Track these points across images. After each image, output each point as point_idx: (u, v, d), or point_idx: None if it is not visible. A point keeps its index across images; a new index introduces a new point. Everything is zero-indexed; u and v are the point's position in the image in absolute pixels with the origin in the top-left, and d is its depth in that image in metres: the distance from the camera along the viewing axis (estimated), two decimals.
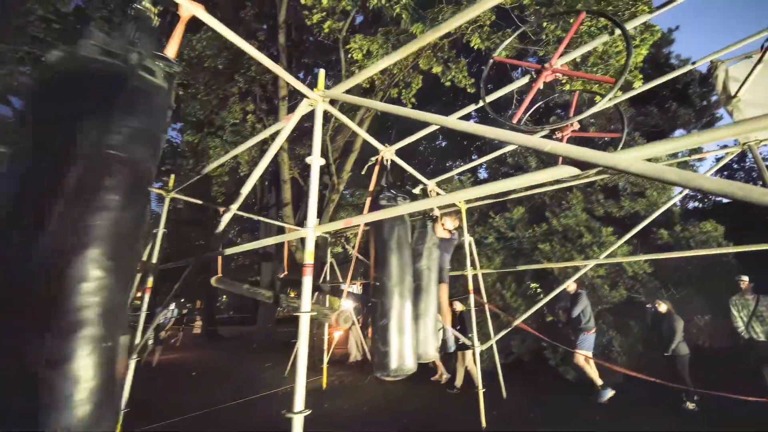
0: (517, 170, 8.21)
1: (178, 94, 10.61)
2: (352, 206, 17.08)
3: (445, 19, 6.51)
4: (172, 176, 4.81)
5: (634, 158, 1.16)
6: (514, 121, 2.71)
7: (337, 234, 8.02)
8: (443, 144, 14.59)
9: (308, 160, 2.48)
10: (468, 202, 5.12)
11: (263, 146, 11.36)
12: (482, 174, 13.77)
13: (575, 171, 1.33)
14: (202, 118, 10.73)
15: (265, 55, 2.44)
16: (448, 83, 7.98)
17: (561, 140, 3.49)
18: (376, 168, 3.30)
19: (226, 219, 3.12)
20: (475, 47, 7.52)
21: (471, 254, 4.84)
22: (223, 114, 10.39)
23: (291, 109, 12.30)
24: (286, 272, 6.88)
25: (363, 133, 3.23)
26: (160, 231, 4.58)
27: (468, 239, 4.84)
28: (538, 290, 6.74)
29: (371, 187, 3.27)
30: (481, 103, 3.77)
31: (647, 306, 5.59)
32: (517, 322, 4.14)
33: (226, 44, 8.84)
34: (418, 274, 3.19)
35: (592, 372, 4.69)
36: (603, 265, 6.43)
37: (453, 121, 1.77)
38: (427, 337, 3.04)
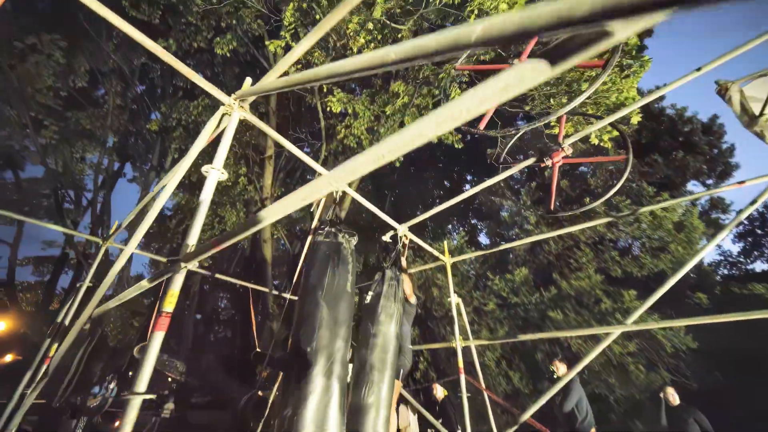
0: (516, 229, 7.49)
1: (174, 158, 10.89)
2: None
3: (425, 77, 6.62)
4: (116, 223, 4.27)
5: None
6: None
7: None
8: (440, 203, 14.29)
9: (204, 170, 1.88)
10: (454, 254, 4.33)
11: (248, 207, 11.14)
12: (483, 239, 13.04)
13: (543, 69, 0.66)
14: (194, 180, 10.77)
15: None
16: (436, 140, 7.89)
17: (552, 169, 2.88)
18: (323, 200, 2.67)
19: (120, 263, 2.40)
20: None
21: (460, 318, 3.85)
22: None
23: (292, 174, 12.40)
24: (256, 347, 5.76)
25: (290, 146, 2.59)
26: (85, 284, 3.86)
27: (455, 299, 3.91)
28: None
29: (314, 223, 2.60)
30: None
31: (660, 395, 4.21)
32: (525, 417, 2.95)
33: None
34: (372, 344, 2.30)
35: None
36: (632, 337, 5.21)
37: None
38: None
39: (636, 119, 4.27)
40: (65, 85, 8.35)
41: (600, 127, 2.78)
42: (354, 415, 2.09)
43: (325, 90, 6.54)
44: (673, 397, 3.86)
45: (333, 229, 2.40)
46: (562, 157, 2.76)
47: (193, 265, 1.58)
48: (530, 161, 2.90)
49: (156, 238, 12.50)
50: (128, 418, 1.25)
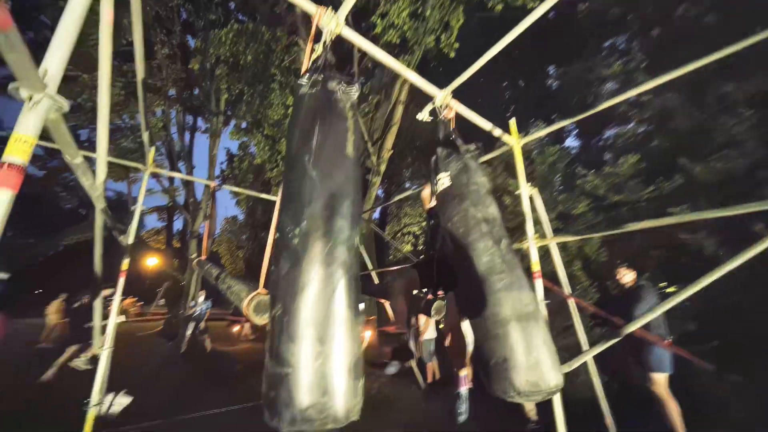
0: (620, 108, 5.65)
1: (227, 100, 11.01)
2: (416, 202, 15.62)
3: None
4: (152, 150, 4.27)
5: None
6: None
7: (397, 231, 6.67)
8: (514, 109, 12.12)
9: None
10: (525, 133, 3.22)
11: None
12: (571, 141, 10.75)
13: None
14: (251, 120, 10.84)
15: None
16: (499, 7, 5.98)
17: None
18: (310, 43, 1.87)
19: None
20: None
21: (535, 214, 2.93)
22: (268, 112, 10.24)
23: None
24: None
25: None
26: (138, 208, 4.07)
27: (528, 191, 2.96)
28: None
29: (303, 69, 1.83)
30: None
31: None
32: (630, 329, 2.12)
33: (253, 37, 8.54)
34: (489, 232, 1.70)
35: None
36: None
37: None
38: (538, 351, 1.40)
39: None
40: (117, 43, 8.59)
41: None
42: (508, 334, 1.48)
43: None
44: None
45: (321, 76, 1.64)
46: None
47: (46, 98, 1.00)
48: None
49: (229, 181, 13.64)
50: None
